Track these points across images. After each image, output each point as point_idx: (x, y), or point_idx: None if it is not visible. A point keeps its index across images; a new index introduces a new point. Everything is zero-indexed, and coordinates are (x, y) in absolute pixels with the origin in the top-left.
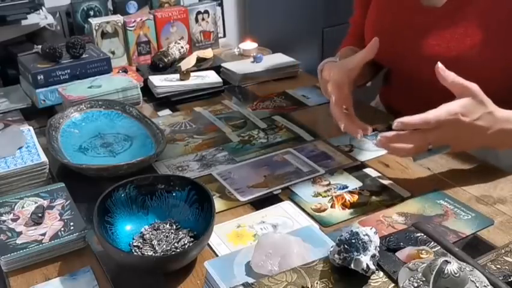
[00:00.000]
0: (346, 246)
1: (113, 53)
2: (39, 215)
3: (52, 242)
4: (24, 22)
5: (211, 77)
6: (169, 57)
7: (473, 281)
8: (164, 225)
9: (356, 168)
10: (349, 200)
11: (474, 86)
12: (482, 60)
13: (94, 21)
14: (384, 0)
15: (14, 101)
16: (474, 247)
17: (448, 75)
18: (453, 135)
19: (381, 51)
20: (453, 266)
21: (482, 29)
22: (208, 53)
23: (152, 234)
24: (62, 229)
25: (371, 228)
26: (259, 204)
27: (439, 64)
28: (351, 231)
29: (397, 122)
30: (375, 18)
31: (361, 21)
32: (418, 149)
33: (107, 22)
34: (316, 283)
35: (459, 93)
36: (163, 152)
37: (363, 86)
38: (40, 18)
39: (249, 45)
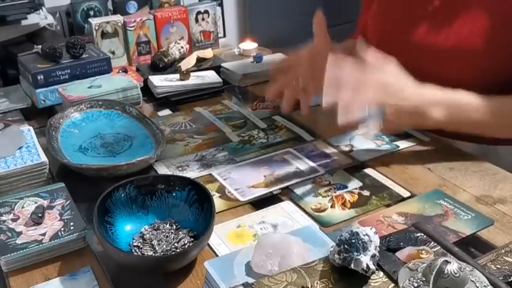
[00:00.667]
0: (346, 246)
1: (113, 53)
2: (39, 215)
3: (52, 242)
4: (24, 22)
5: (211, 77)
6: (169, 57)
7: (473, 281)
8: (164, 225)
9: (356, 168)
10: (349, 200)
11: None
12: (483, 49)
13: (94, 21)
14: None
15: (14, 101)
16: (474, 247)
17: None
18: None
19: (383, 43)
20: (453, 266)
21: (487, 16)
22: (208, 53)
23: (152, 234)
24: (62, 229)
25: (371, 228)
26: (259, 204)
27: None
28: (351, 231)
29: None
30: (378, 10)
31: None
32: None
33: (107, 22)
34: (316, 283)
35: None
36: (163, 152)
37: None
38: (40, 18)
39: (249, 45)
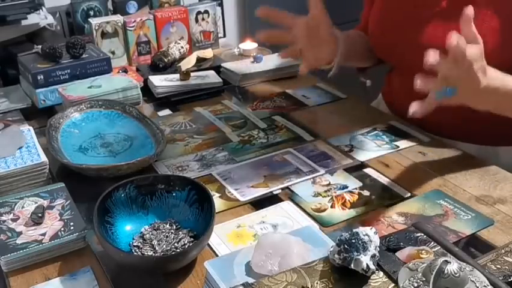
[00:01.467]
0: (346, 246)
1: (113, 53)
2: (39, 215)
3: (52, 242)
4: (24, 22)
5: (211, 77)
6: (169, 57)
7: (473, 281)
8: (164, 225)
9: (356, 168)
10: (349, 200)
11: None
12: (493, 49)
13: (94, 21)
14: None
15: (14, 101)
16: (474, 247)
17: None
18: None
19: (385, 44)
20: (453, 266)
21: (496, 16)
22: (208, 53)
23: (152, 234)
24: (62, 229)
25: (371, 228)
26: (259, 204)
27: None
28: (351, 231)
29: None
30: (381, 10)
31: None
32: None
33: (107, 22)
34: (316, 283)
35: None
36: (163, 152)
37: (364, 71)
38: (40, 18)
39: (249, 45)
